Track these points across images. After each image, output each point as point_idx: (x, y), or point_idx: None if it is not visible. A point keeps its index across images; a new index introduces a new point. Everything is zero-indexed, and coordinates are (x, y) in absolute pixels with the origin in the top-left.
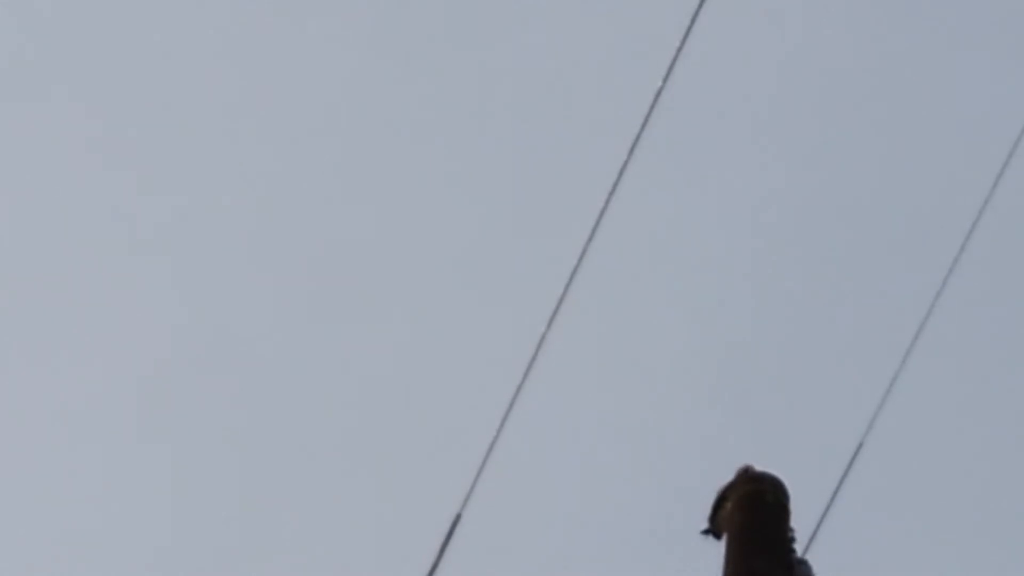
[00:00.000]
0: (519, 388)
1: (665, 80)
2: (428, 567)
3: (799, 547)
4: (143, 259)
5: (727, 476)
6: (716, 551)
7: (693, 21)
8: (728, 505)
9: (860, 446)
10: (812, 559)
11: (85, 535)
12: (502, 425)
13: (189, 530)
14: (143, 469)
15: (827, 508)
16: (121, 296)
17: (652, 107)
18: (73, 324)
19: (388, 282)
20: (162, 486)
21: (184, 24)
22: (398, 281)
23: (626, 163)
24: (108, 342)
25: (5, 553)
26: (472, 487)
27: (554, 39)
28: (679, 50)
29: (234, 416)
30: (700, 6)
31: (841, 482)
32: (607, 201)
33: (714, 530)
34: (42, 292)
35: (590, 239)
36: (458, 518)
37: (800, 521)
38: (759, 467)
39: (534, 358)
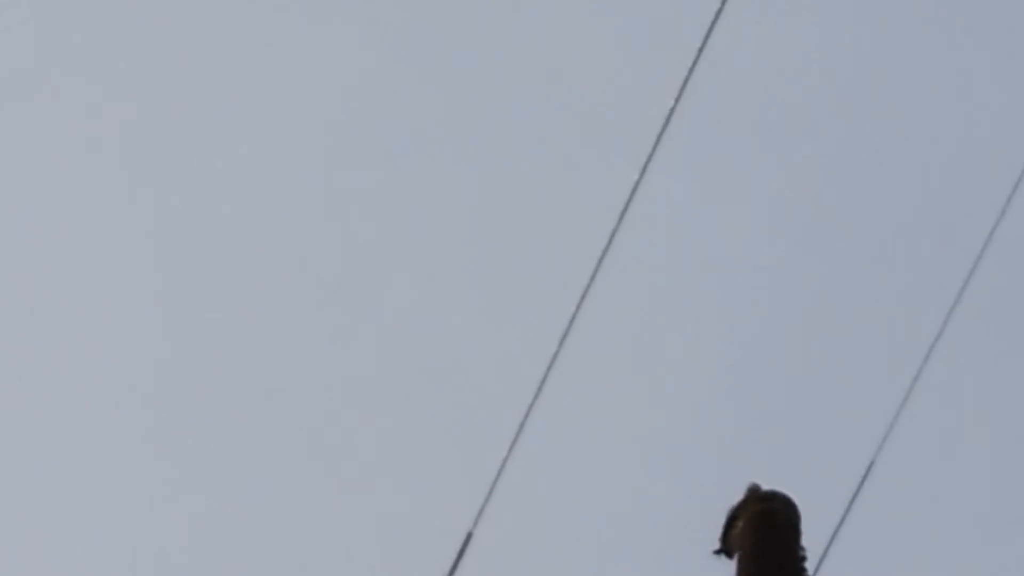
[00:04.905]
0: (531, 405)
1: (685, 82)
2: None
3: (810, 566)
4: (147, 260)
5: (738, 495)
6: (728, 570)
7: (712, 27)
8: (739, 524)
9: (872, 464)
10: None
11: (90, 537)
12: (514, 442)
13: (191, 545)
14: (144, 477)
15: (838, 527)
16: (123, 297)
17: (671, 112)
18: (73, 325)
19: (399, 292)
20: (162, 500)
21: (192, 23)
22: (409, 291)
23: (642, 172)
24: (109, 343)
25: (6, 554)
26: (484, 505)
27: (567, 41)
28: (699, 52)
29: (239, 429)
30: (720, 10)
31: (852, 501)
32: (623, 210)
33: (726, 550)
34: (45, 293)
35: (603, 255)
36: (469, 536)
37: (811, 540)
38: (770, 486)
39: (547, 375)
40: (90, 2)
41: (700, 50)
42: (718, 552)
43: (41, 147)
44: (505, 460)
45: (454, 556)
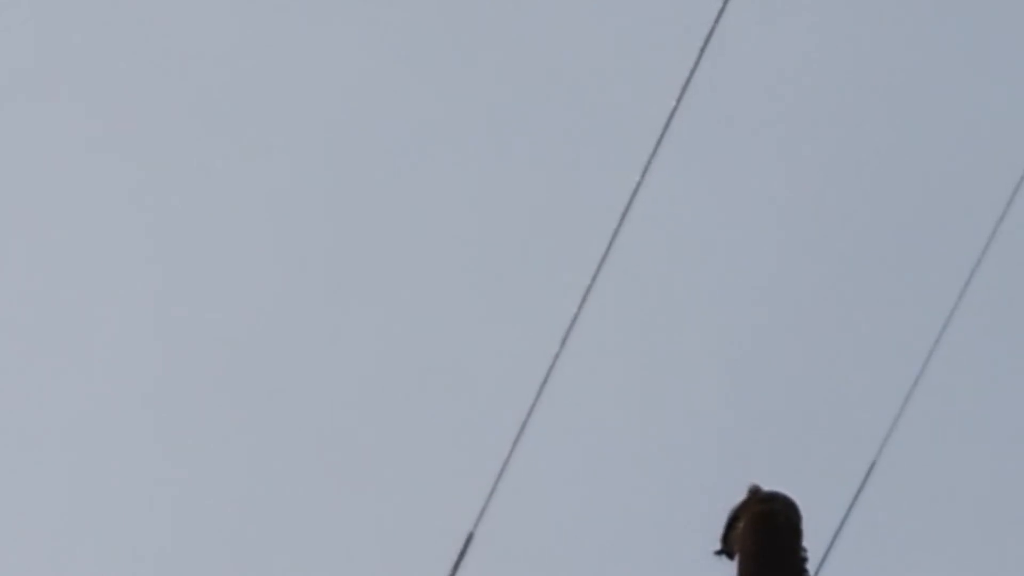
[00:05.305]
0: (533, 406)
1: (687, 82)
2: None
3: (811, 567)
4: (147, 259)
5: (739, 496)
6: (729, 571)
7: (714, 27)
8: (740, 525)
9: (873, 465)
10: None
11: (90, 536)
12: (515, 443)
13: (191, 545)
14: (144, 477)
15: (839, 528)
16: (123, 296)
17: (673, 112)
18: (72, 325)
19: (401, 292)
20: (162, 500)
21: (192, 24)
22: (411, 291)
23: (644, 173)
24: (108, 343)
25: (7, 552)
26: (485, 506)
27: (568, 42)
28: (701, 52)
29: (240, 429)
30: (722, 10)
31: (854, 502)
32: (625, 211)
33: (727, 550)
34: (45, 292)
35: (605, 256)
36: (470, 537)
37: (812, 541)
38: (771, 487)
39: (548, 375)
40: (90, 2)
41: (702, 50)
42: (719, 553)
43: (41, 147)
44: (506, 461)
45: (455, 556)
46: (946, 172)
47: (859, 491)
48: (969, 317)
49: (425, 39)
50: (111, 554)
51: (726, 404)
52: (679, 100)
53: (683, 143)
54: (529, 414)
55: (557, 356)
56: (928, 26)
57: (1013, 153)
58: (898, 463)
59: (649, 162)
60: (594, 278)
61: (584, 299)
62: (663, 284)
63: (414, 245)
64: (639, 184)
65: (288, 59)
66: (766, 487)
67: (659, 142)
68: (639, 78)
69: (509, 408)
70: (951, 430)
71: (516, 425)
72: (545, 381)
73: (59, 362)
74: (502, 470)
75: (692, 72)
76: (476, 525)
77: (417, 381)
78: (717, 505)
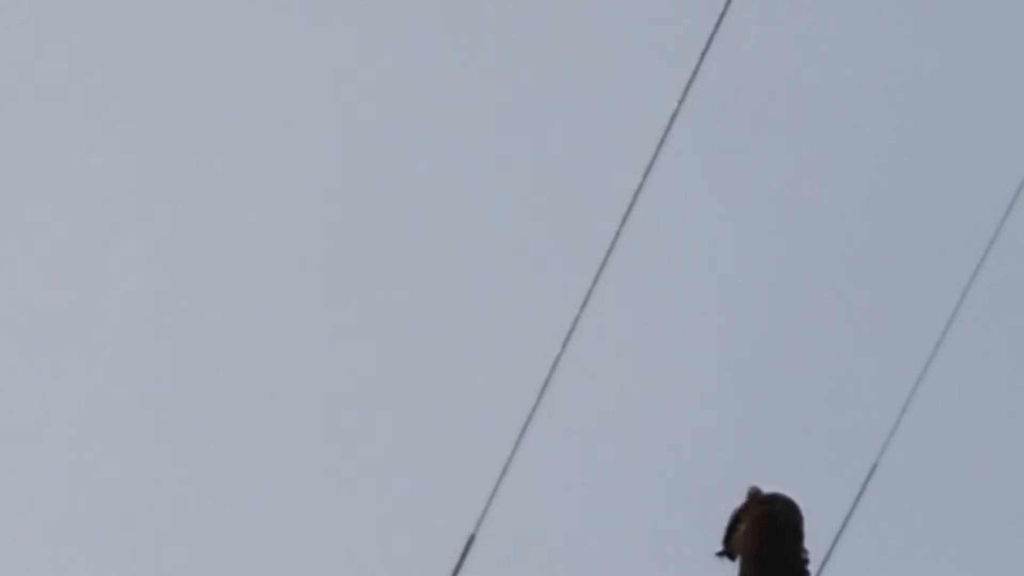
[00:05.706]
0: (534, 407)
1: (689, 84)
2: None
3: (813, 568)
4: (148, 259)
5: (741, 498)
6: (731, 573)
7: (715, 29)
8: (742, 527)
9: (875, 467)
10: None
11: (90, 536)
12: (517, 445)
13: (192, 545)
14: (145, 477)
15: (841, 529)
16: (123, 296)
17: (675, 114)
18: (72, 325)
19: (403, 293)
20: (163, 500)
21: (192, 23)
22: (413, 292)
23: (646, 174)
24: (109, 343)
25: (8, 551)
26: (486, 508)
27: (570, 43)
28: (703, 54)
29: (241, 429)
30: (724, 12)
31: (855, 503)
32: (627, 212)
33: (729, 552)
34: (45, 292)
35: (606, 257)
36: (472, 539)
37: (814, 542)
38: (773, 488)
39: (550, 376)
40: (90, 2)
41: (704, 52)
42: (721, 554)
43: (41, 147)
44: (508, 462)
45: (457, 558)
46: (948, 172)
47: (861, 493)
48: (971, 318)
49: (426, 38)
50: (111, 553)
51: (728, 405)
52: (681, 101)
53: (685, 144)
54: (531, 415)
55: (559, 357)
56: (928, 26)
57: (1014, 152)
58: (900, 465)
59: (651, 163)
60: (596, 279)
61: (586, 300)
62: (665, 285)
63: (415, 245)
64: (641, 185)
65: (289, 59)
66: (767, 489)
67: (661, 143)
68: (641, 79)
69: (511, 409)
70: (952, 432)
71: (518, 426)
72: (547, 382)
73: (59, 362)
74: (503, 471)
75: (694, 73)
76: (478, 526)
77: (418, 382)
78: (719, 507)
